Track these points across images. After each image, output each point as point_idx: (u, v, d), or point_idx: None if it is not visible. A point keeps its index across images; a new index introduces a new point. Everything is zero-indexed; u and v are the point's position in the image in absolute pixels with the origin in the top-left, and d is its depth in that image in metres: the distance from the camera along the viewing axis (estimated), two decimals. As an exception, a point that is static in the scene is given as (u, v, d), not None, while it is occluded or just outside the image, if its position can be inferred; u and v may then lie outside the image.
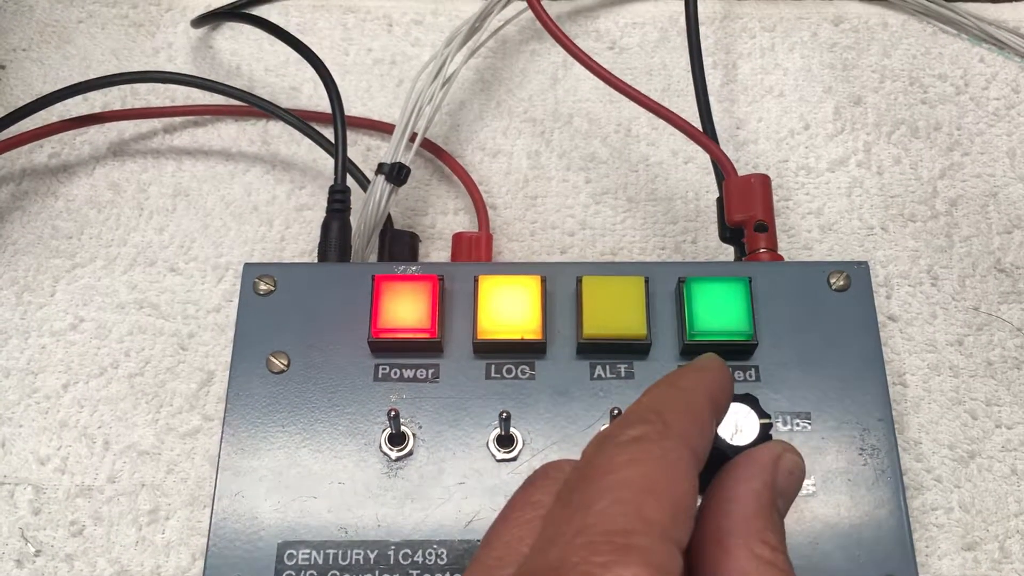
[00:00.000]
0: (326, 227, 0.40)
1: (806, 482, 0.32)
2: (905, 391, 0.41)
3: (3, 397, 0.42)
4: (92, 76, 0.48)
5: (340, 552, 0.32)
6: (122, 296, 0.44)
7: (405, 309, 0.34)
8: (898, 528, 0.32)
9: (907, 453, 0.39)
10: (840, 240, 0.44)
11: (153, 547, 0.39)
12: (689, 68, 0.45)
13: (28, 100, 0.46)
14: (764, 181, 0.39)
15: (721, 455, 0.31)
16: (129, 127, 0.48)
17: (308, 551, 0.32)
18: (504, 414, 0.32)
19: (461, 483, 0.33)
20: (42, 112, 0.45)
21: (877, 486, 0.32)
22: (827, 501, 0.32)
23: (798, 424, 0.33)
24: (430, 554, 0.32)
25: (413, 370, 0.34)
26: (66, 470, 0.41)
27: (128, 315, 0.44)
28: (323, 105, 0.49)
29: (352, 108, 0.48)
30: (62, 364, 0.43)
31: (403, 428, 0.33)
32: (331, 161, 0.46)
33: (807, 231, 0.45)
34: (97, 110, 0.48)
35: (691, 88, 0.44)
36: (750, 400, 0.31)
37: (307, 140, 0.47)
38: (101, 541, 0.39)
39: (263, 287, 0.36)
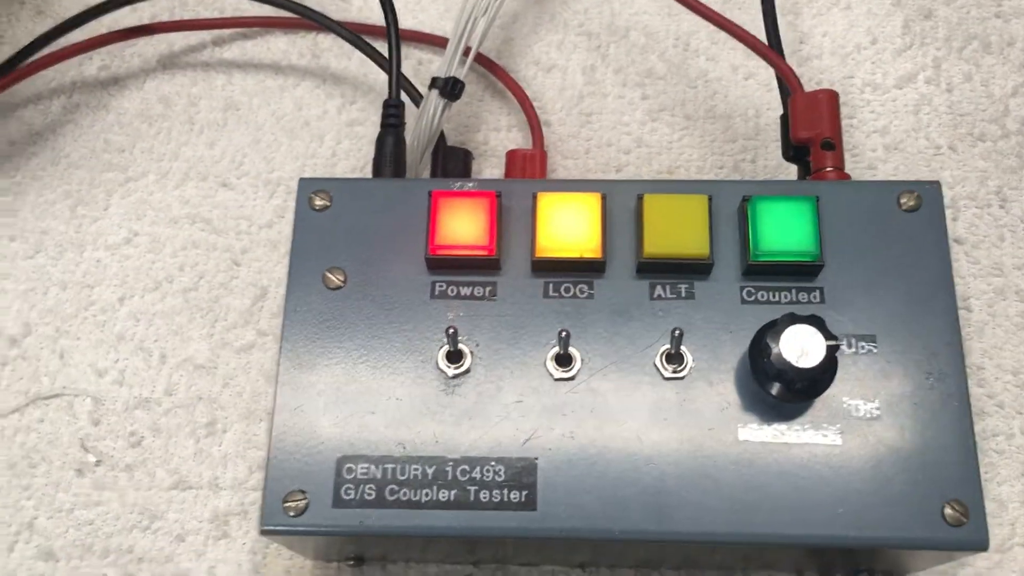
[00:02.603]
0: (381, 142, 0.39)
1: (870, 405, 0.32)
2: (969, 315, 0.40)
3: (60, 309, 0.42)
4: (139, -13, 0.47)
5: (398, 467, 0.32)
6: (175, 211, 0.44)
7: (462, 226, 0.34)
8: (964, 454, 0.31)
9: (969, 378, 0.38)
10: (906, 160, 0.43)
11: (211, 459, 0.40)
12: (752, -21, 0.43)
13: (76, 10, 0.45)
14: (832, 97, 0.37)
15: (786, 378, 0.30)
16: (178, 39, 0.48)
17: (367, 465, 0.32)
18: (563, 333, 0.32)
19: (519, 401, 0.33)
20: (91, 23, 0.45)
21: (943, 411, 0.32)
22: (891, 425, 0.32)
23: (863, 347, 0.33)
24: (487, 471, 0.32)
25: (470, 287, 0.34)
26: (124, 382, 0.41)
27: (181, 230, 0.44)
28: (374, 17, 0.48)
29: (403, 20, 0.47)
30: (117, 278, 0.43)
31: (460, 346, 0.33)
32: (382, 75, 0.45)
33: (871, 150, 0.43)
34: (145, 21, 0.48)
35: (748, 2, 0.43)
36: (816, 321, 0.30)
37: (358, 54, 0.45)
38: (160, 452, 0.40)
39: (319, 202, 0.35)
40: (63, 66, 0.46)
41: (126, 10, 0.46)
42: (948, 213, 0.41)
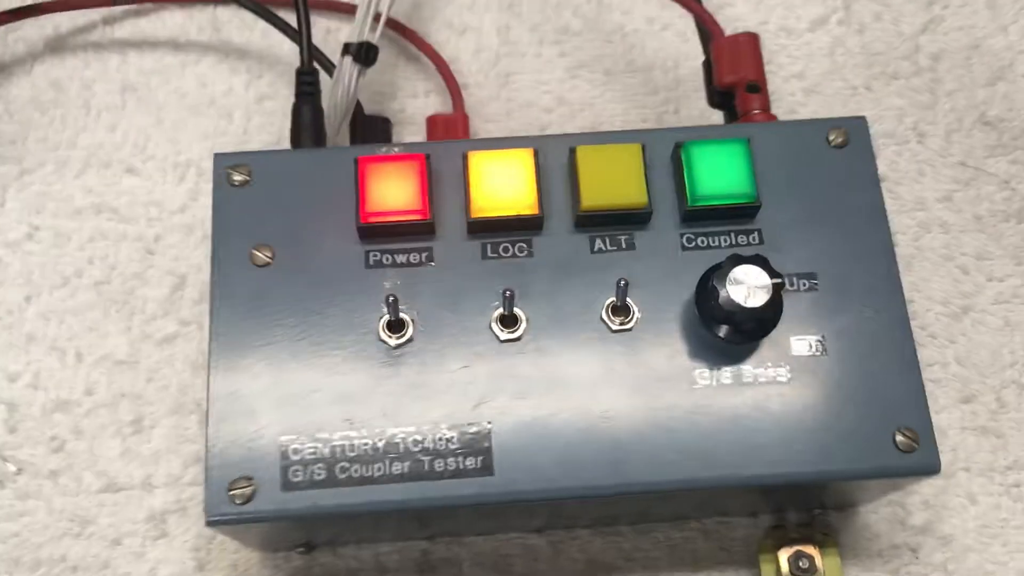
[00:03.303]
0: (297, 112, 0.37)
1: (815, 341, 0.32)
2: (896, 250, 0.40)
3: (-39, 314, 0.39)
4: (18, -34, 0.44)
5: (347, 443, 0.31)
6: (78, 201, 0.41)
7: (393, 191, 0.32)
8: (910, 382, 0.31)
9: (902, 311, 0.39)
10: (825, 102, 0.43)
11: (140, 457, 0.38)
12: (659, -70, 0.43)
13: (-49, -5, 0.42)
14: (753, 40, 0.37)
15: (735, 319, 0.30)
16: (64, 20, 0.45)
17: (313, 444, 0.30)
18: (507, 292, 0.31)
19: (466, 367, 0.32)
20: (-32, 8, 0.42)
21: (887, 342, 0.32)
22: (838, 359, 0.32)
23: (804, 284, 0.33)
24: (440, 440, 0.31)
25: (406, 255, 0.33)
26: (39, 385, 0.39)
27: (87, 221, 0.41)
28: (275, -13, 0.46)
29: (306, -11, 0.45)
30: (21, 276, 0.40)
31: (401, 315, 0.32)
32: (288, 47, 0.44)
33: (791, 95, 0.43)
34: (28, 2, 0.44)
35: (664, -50, 0.42)
36: (760, 261, 0.30)
37: (260, 25, 0.44)
38: (84, 455, 0.38)
39: (237, 177, 0.34)
40: (-59, 55, 0.43)
41: (6, -8, 0.44)
42: (869, 151, 0.42)
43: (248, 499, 0.30)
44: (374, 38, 0.40)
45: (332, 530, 0.35)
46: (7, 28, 0.44)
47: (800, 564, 0.35)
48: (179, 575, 0.36)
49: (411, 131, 0.43)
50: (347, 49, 0.39)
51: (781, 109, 0.43)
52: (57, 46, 0.44)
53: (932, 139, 0.42)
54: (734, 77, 0.37)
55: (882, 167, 0.42)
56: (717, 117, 0.39)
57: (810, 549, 0.36)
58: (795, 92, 0.43)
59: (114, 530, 0.37)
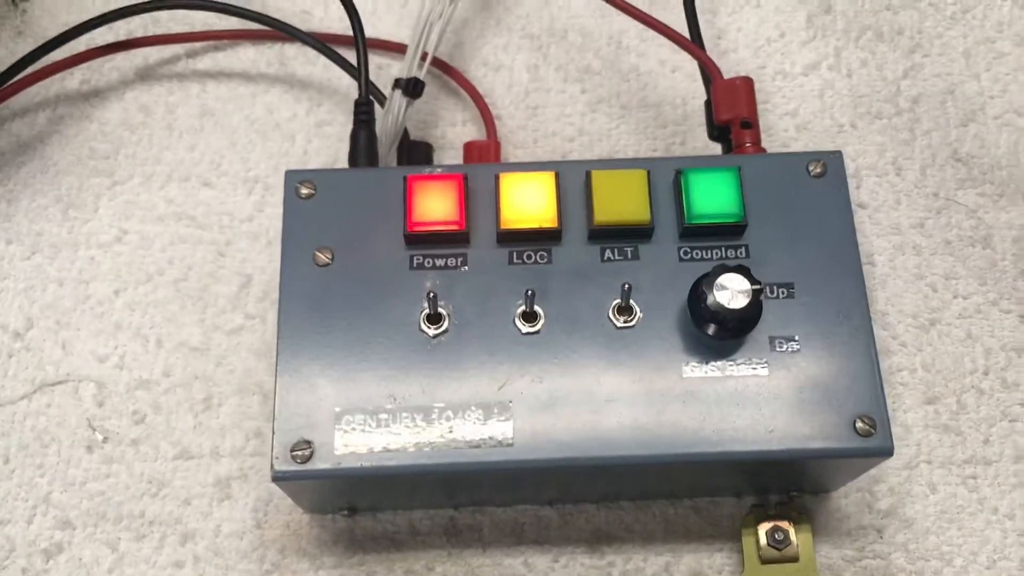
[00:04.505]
0: (355, 137, 0.43)
1: (791, 341, 0.37)
2: (873, 269, 0.46)
3: (59, 304, 0.46)
4: (113, 6, 0.51)
5: (390, 416, 0.36)
6: (161, 210, 0.48)
7: (436, 204, 0.38)
8: (870, 378, 0.37)
9: (875, 323, 0.45)
10: (814, 137, 0.49)
11: (210, 431, 0.44)
12: (672, -17, 0.49)
13: (54, 30, 0.49)
14: (748, 83, 0.43)
15: (720, 318, 0.36)
16: (153, 53, 0.51)
17: (363, 416, 0.36)
18: (530, 291, 0.37)
19: (492, 355, 0.37)
20: (70, 42, 0.48)
21: (852, 344, 0.37)
22: (809, 356, 0.37)
23: (783, 292, 0.38)
24: (468, 414, 0.36)
25: (444, 259, 0.39)
26: (124, 366, 0.45)
27: (168, 227, 0.47)
28: (335, 28, 0.52)
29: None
30: (111, 272, 0.47)
31: (439, 309, 0.38)
32: (346, 79, 0.50)
33: (784, 130, 0.49)
34: (122, 38, 0.51)
35: (672, 3, 0.48)
36: (743, 270, 0.36)
37: (322, 60, 0.50)
38: (162, 427, 0.44)
39: (304, 191, 0.40)
40: (46, 82, 0.50)
41: (103, 28, 0.50)
42: (852, 182, 0.48)
43: (307, 459, 0.36)
44: (421, 74, 0.46)
45: (373, 495, 0.41)
46: (103, 59, 0.51)
47: (776, 536, 0.41)
48: (240, 532, 0.42)
49: (451, 155, 0.49)
50: (397, 83, 0.45)
51: (775, 143, 0.49)
52: (146, 75, 0.51)
53: (909, 172, 0.48)
54: (730, 115, 0.42)
55: (863, 195, 0.47)
56: (717, 149, 0.45)
57: (785, 525, 0.41)
58: (788, 128, 0.49)
59: (186, 491, 0.43)
